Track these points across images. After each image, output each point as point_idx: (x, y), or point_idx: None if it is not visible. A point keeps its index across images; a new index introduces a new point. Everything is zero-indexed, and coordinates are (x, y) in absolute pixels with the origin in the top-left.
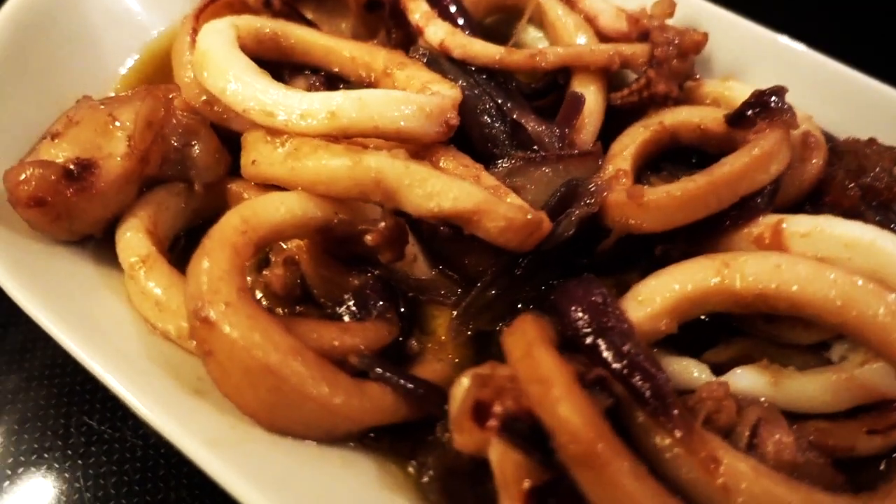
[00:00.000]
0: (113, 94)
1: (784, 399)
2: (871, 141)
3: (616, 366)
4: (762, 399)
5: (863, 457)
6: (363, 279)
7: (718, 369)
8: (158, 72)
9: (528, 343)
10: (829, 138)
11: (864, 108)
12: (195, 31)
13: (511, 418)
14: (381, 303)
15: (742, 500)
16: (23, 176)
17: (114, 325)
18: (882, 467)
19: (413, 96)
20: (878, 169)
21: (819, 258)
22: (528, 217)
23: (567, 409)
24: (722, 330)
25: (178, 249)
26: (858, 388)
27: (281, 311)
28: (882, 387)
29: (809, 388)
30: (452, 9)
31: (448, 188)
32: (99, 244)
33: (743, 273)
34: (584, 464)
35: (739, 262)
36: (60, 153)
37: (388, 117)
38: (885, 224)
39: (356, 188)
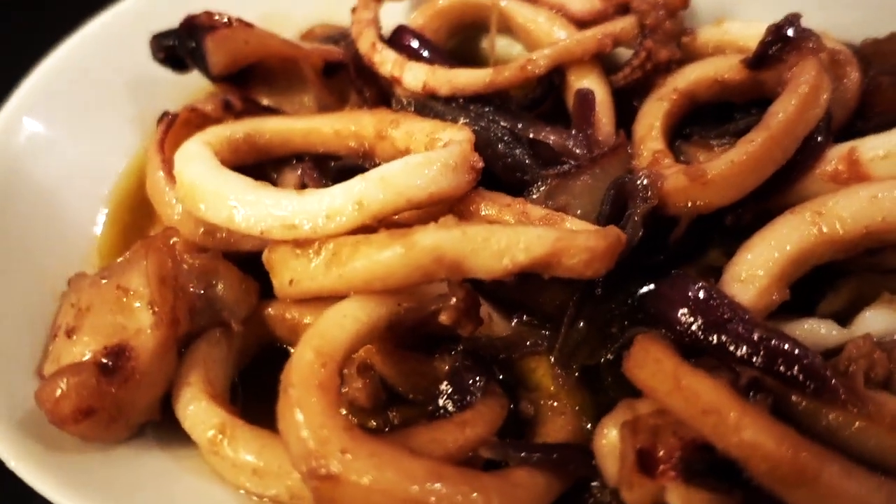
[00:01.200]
0: (98, 258)
1: None
2: (893, 35)
3: (756, 359)
4: None
5: None
6: (450, 360)
7: (840, 319)
8: (135, 215)
9: (671, 374)
10: (850, 47)
11: (861, 4)
12: (167, 164)
13: (688, 461)
14: (478, 379)
15: None
16: (59, 391)
17: None
18: None
19: (432, 155)
20: None
21: None
22: (609, 240)
23: (753, 433)
24: (823, 277)
25: (238, 396)
26: None
27: (374, 424)
28: None
29: None
30: (416, 45)
31: (515, 240)
32: (156, 425)
33: (840, 217)
34: (794, 483)
35: (830, 206)
36: (85, 349)
37: (417, 187)
38: None
39: (417, 273)
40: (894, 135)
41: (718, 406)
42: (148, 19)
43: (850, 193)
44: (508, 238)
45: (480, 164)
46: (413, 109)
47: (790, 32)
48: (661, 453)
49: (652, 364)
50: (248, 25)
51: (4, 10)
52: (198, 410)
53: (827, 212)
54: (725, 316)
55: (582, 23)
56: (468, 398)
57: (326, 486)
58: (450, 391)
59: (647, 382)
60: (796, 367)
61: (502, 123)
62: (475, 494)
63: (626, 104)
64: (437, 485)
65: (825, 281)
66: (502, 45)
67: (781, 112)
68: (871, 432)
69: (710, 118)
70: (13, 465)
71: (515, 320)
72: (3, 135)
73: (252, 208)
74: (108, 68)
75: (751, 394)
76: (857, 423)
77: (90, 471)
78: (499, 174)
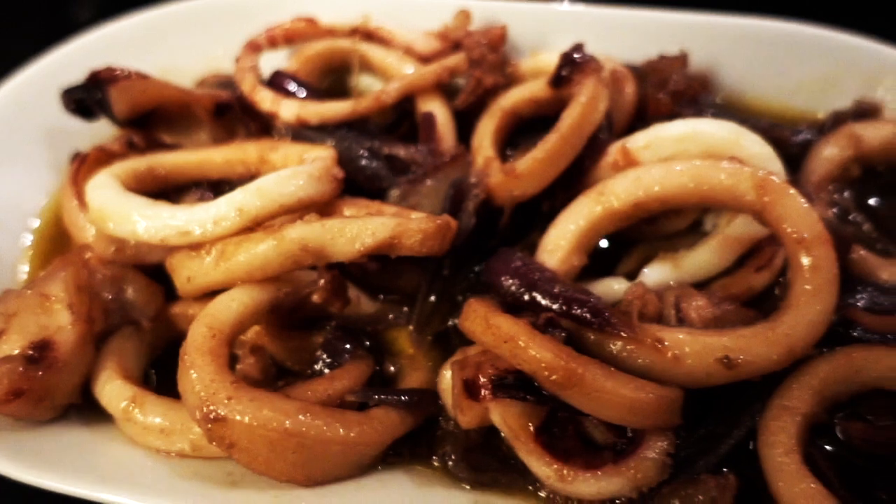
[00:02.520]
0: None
1: (687, 275)
2: (661, 57)
3: (555, 306)
4: (672, 283)
5: (761, 291)
6: (325, 333)
7: (632, 276)
8: (55, 244)
9: (483, 318)
10: (631, 67)
11: (641, 34)
12: (79, 194)
13: (497, 379)
14: (348, 346)
15: (690, 361)
16: None
17: (132, 467)
18: (777, 292)
19: (299, 169)
20: (674, 76)
21: (664, 159)
22: (437, 223)
23: (536, 350)
24: (620, 247)
25: (152, 384)
26: (734, 242)
27: None
28: (749, 234)
29: (701, 258)
30: (292, 87)
31: (364, 227)
32: (78, 408)
33: (616, 193)
34: (567, 385)
35: (608, 186)
36: (14, 346)
37: (287, 194)
38: (699, 114)
39: (289, 261)
40: (651, 131)
41: (514, 335)
42: (58, 76)
43: (621, 176)
44: (359, 227)
45: (341, 175)
46: (290, 137)
47: (576, 57)
48: (482, 381)
49: (472, 314)
50: (145, 77)
51: None
52: (112, 388)
53: (606, 191)
54: (535, 277)
55: (426, 59)
56: (339, 362)
57: (216, 427)
58: (324, 357)
59: (469, 328)
60: (585, 309)
61: (363, 143)
62: (337, 425)
63: (470, 122)
64: (307, 417)
65: (622, 248)
66: (369, 82)
67: (568, 118)
68: (639, 352)
69: (534, 129)
70: None
71: (381, 301)
72: None
73: (152, 221)
74: (26, 120)
75: (548, 330)
76: (630, 346)
77: (21, 442)
78: (362, 184)
